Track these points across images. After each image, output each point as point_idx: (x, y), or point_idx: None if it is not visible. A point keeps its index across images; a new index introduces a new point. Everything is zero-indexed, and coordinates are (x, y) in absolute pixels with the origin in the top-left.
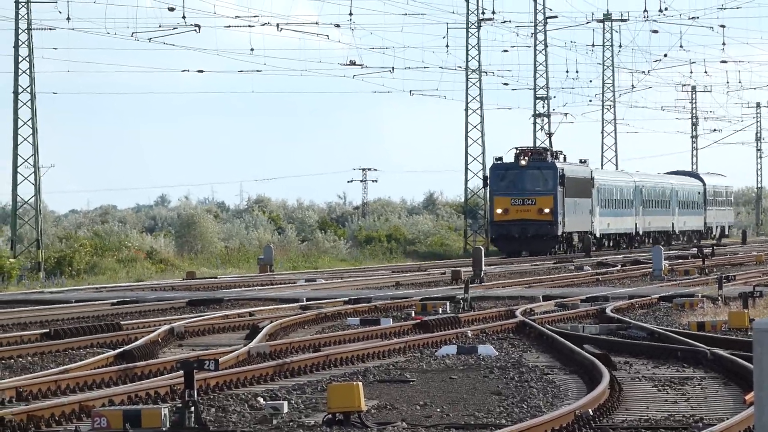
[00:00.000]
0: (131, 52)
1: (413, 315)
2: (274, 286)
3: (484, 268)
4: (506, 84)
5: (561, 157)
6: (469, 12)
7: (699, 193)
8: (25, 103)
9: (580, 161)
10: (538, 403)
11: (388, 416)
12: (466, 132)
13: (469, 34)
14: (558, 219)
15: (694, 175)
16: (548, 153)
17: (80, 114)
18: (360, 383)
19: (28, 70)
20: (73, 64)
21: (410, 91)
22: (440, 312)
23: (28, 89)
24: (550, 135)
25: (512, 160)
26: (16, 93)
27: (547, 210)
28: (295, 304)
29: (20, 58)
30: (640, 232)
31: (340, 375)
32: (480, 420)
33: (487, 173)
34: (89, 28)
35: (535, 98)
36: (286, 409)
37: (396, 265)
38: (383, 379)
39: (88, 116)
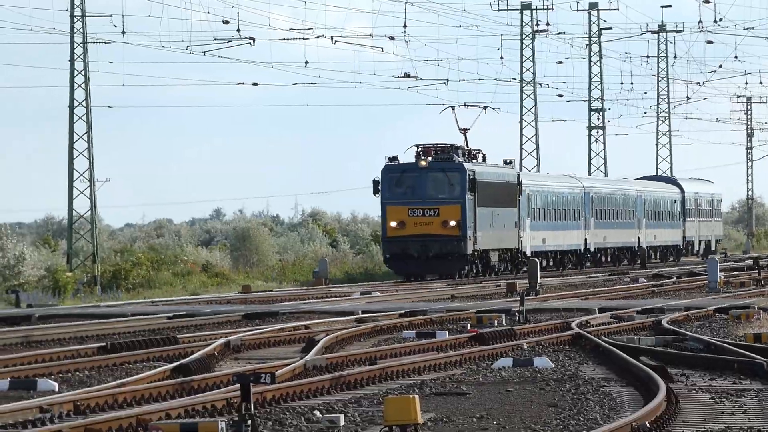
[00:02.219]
0: (186, 66)
1: (469, 328)
2: (330, 299)
3: (539, 280)
4: (561, 96)
5: (480, 157)
6: (524, 24)
7: (675, 201)
8: (80, 117)
9: (505, 162)
10: (594, 416)
11: (445, 429)
12: (521, 144)
13: (524, 46)
14: (468, 233)
15: (669, 180)
16: (458, 151)
17: (135, 127)
18: (416, 396)
19: (83, 84)
20: (128, 78)
21: (464, 104)
22: (496, 324)
23: (84, 103)
24: (464, 131)
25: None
26: (71, 107)
27: (453, 222)
28: (351, 317)
29: (76, 72)
30: (591, 249)
31: (397, 388)
32: None
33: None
34: (144, 41)
35: (590, 110)
36: (342, 423)
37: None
38: (439, 391)
39: (143, 130)
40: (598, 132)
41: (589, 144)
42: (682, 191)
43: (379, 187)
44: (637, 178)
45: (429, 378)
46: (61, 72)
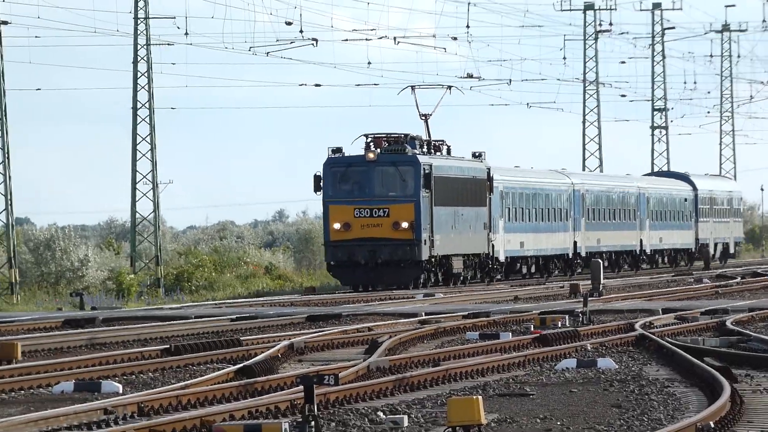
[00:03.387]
0: (249, 67)
1: (532, 329)
2: (393, 301)
3: (602, 281)
4: (624, 96)
5: (444, 149)
6: (587, 24)
7: (686, 200)
8: (143, 119)
9: (474, 155)
10: (658, 416)
11: (508, 430)
12: (584, 144)
13: (587, 46)
14: (423, 237)
15: (680, 176)
16: (415, 142)
17: (198, 129)
18: (480, 397)
19: (146, 86)
20: (191, 79)
21: (527, 104)
22: (559, 326)
23: (147, 105)
24: (425, 117)
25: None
26: (135, 109)
27: (405, 224)
28: (414, 319)
29: (139, 74)
30: (583, 253)
31: (460, 389)
32: None
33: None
34: (207, 42)
35: (653, 110)
36: (406, 424)
37: (514, 279)
38: (503, 392)
39: (206, 131)
40: (661, 132)
41: (652, 144)
42: (695, 188)
43: (321, 184)
44: (645, 174)
45: (492, 379)
46: (125, 74)
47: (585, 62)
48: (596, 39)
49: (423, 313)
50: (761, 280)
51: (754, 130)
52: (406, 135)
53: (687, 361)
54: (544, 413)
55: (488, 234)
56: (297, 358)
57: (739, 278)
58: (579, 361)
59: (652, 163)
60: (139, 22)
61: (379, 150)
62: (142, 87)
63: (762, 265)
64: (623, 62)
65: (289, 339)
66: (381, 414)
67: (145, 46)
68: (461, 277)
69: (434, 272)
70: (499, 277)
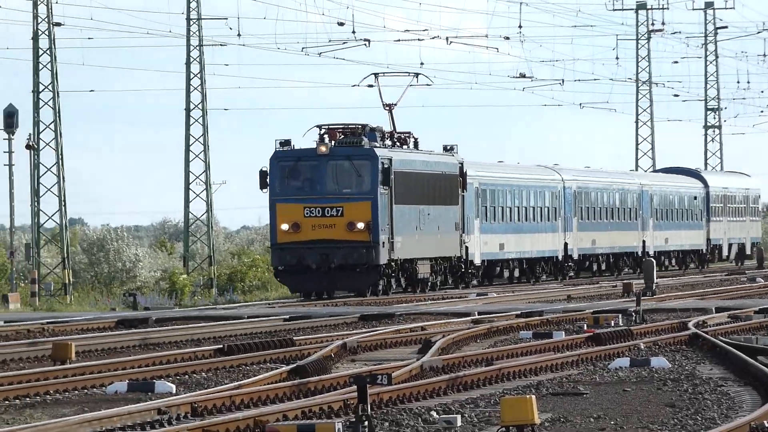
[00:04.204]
0: (301, 67)
1: (585, 328)
2: (446, 301)
3: (655, 280)
4: (677, 95)
5: (411, 142)
6: (639, 23)
7: (696, 198)
8: (196, 120)
9: (445, 149)
10: (712, 415)
11: (562, 429)
12: (636, 144)
13: (639, 46)
14: (381, 238)
15: (690, 173)
16: (375, 134)
17: (251, 129)
18: (533, 396)
19: (199, 87)
20: (243, 80)
21: (580, 104)
22: (612, 325)
23: (200, 106)
24: (389, 107)
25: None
26: (188, 110)
27: (361, 224)
28: (467, 318)
29: (192, 75)
30: (575, 255)
31: (513, 388)
32: None
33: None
34: (259, 43)
35: (706, 109)
36: (459, 423)
37: (568, 279)
38: (556, 391)
39: (258, 131)
40: (714, 131)
41: (705, 143)
42: (706, 185)
43: (267, 180)
44: (653, 171)
45: (546, 378)
46: (178, 75)
47: (638, 62)
48: (649, 39)
49: (476, 313)
50: None
51: None
52: (364, 126)
53: (741, 359)
54: (598, 412)
55: (461, 235)
56: (350, 358)
57: None
58: (632, 360)
59: (705, 163)
60: (191, 23)
61: (332, 143)
62: (195, 88)
63: None
64: (676, 62)
65: (342, 339)
66: (434, 414)
67: (197, 48)
68: (428, 283)
69: (395, 277)
70: (475, 282)
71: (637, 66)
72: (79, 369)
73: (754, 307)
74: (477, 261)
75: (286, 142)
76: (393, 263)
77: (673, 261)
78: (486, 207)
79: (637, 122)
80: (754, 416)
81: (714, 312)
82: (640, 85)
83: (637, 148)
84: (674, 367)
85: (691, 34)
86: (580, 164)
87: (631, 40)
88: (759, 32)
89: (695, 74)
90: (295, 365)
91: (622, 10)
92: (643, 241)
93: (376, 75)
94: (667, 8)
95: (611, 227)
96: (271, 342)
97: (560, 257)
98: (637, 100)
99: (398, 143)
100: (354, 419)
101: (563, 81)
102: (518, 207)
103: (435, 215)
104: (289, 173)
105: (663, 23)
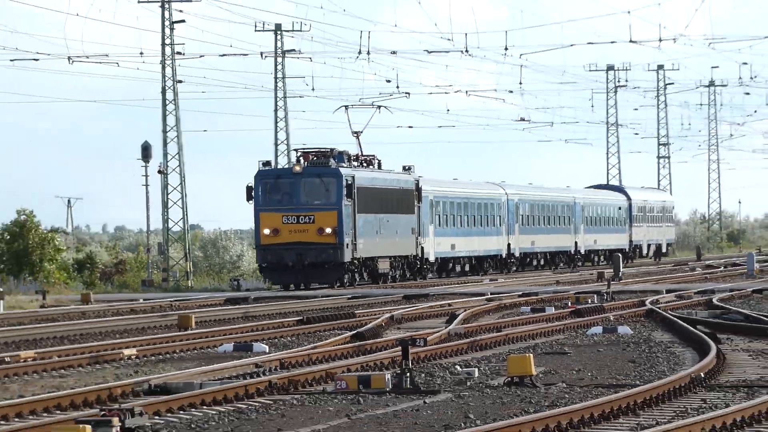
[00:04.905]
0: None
1: (569, 304)
2: (467, 285)
3: (621, 269)
4: (637, 134)
5: (375, 163)
6: (609, 81)
7: (620, 208)
8: (282, 152)
9: (404, 168)
10: (663, 369)
11: (552, 379)
12: (607, 170)
13: (609, 97)
14: (345, 240)
15: (617, 189)
16: (343, 156)
17: None
18: (531, 354)
19: (284, 128)
20: (317, 123)
21: (566, 140)
22: (589, 302)
23: (285, 141)
24: (357, 134)
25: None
26: (276, 144)
27: (329, 229)
28: (482, 297)
29: (279, 119)
30: (517, 254)
31: (516, 348)
32: (620, 381)
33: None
34: (329, 95)
35: (659, 144)
36: (476, 374)
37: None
38: (548, 351)
39: None
40: (664, 161)
41: (658, 169)
42: (629, 198)
43: (252, 194)
44: (587, 187)
45: (540, 341)
46: (268, 119)
47: (608, 109)
48: (616, 92)
49: (489, 293)
50: (738, 268)
51: (734, 159)
52: (332, 150)
53: (684, 328)
54: (578, 366)
55: (416, 238)
56: (396, 326)
57: (723, 267)
58: (604, 328)
59: (658, 183)
60: (278, 81)
61: (305, 163)
62: (281, 129)
63: (740, 257)
64: (636, 109)
65: (390, 312)
66: (458, 367)
67: (282, 99)
68: (389, 276)
69: (358, 272)
70: (430, 275)
71: (607, 112)
72: (197, 334)
73: (694, 289)
74: (431, 258)
75: (268, 163)
76: (356, 261)
77: (602, 258)
78: (439, 215)
79: (607, 153)
80: (693, 369)
81: (665, 293)
82: (609, 126)
83: (608, 173)
84: (635, 334)
85: (647, 89)
86: (542, 182)
87: (602, 93)
88: (697, 87)
89: (650, 118)
90: (355, 331)
91: (596, 71)
92: (575, 242)
93: (346, 107)
94: (630, 69)
95: (548, 231)
96: (338, 314)
97: (504, 255)
98: (608, 137)
99: (364, 164)
100: (399, 371)
101: (552, 123)
102: (467, 215)
103: (393, 221)
104: (270, 188)
105: (626, 80)
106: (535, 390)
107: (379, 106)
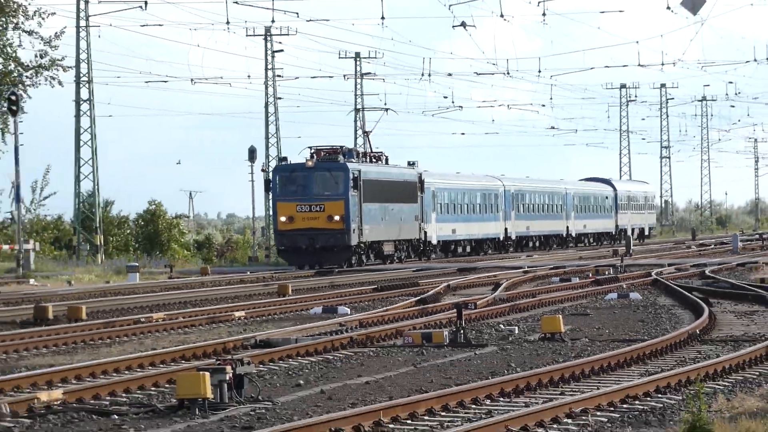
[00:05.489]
0: (422, 124)
1: (590, 276)
2: (509, 260)
3: (632, 247)
4: (644, 139)
5: (383, 159)
6: (621, 96)
7: (607, 197)
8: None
9: (409, 163)
10: (666, 327)
11: (577, 335)
12: (620, 169)
13: (621, 109)
14: (351, 227)
15: (605, 181)
16: (352, 153)
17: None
18: (560, 316)
19: (362, 136)
20: (396, 132)
21: (587, 144)
22: (606, 274)
23: (362, 146)
24: (366, 133)
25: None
26: (355, 148)
27: (337, 217)
28: (520, 270)
29: (359, 128)
30: (513, 237)
31: (548, 310)
32: (632, 336)
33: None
34: (401, 110)
35: (661, 147)
36: (517, 332)
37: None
38: (573, 313)
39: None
40: (665, 160)
41: (661, 168)
42: (615, 189)
43: (270, 186)
44: (579, 180)
45: (567, 305)
46: (349, 128)
47: (620, 119)
48: (627, 105)
49: (525, 267)
50: (726, 246)
51: (721, 159)
52: (341, 147)
53: (682, 294)
54: (598, 325)
55: (420, 224)
56: (452, 293)
57: (713, 245)
58: (619, 294)
59: (661, 179)
60: (357, 97)
61: (317, 159)
62: (359, 136)
63: (726, 237)
64: (643, 119)
65: (447, 282)
66: (501, 326)
67: (361, 111)
68: (394, 257)
69: (365, 254)
70: (434, 256)
71: (620, 121)
72: (293, 300)
73: (690, 263)
74: (434, 241)
75: (284, 159)
76: (362, 244)
77: (591, 240)
78: (440, 204)
79: (620, 155)
80: (690, 327)
81: (666, 266)
82: (622, 132)
83: (620, 170)
84: (643, 299)
85: (652, 103)
86: (551, 176)
87: (616, 106)
88: (692, 102)
89: (655, 126)
90: (419, 297)
91: (612, 88)
92: (567, 227)
93: (357, 110)
94: (638, 87)
95: (542, 217)
96: (406, 283)
97: (501, 238)
98: (621, 142)
99: (373, 160)
100: (455, 329)
101: (576, 130)
102: (467, 204)
103: (397, 210)
104: (286, 181)
105: (635, 96)
106: (564, 344)
107: (386, 109)
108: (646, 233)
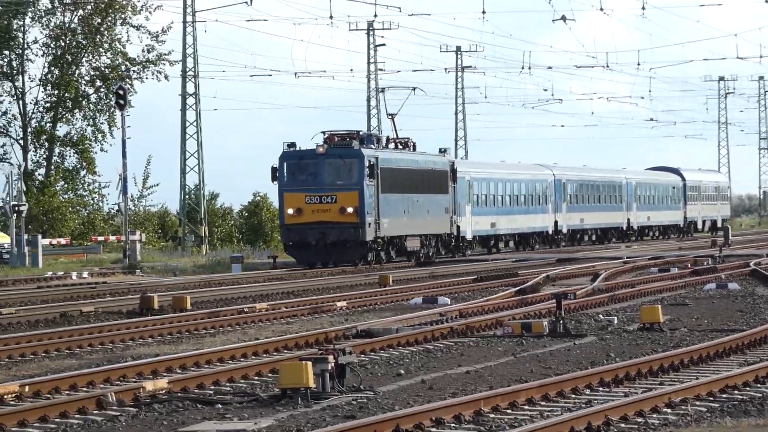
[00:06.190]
0: (523, 116)
1: (689, 266)
2: (608, 251)
3: (730, 238)
4: (742, 130)
5: (411, 145)
6: (720, 89)
7: (674, 187)
8: (461, 147)
9: (440, 150)
10: (765, 317)
11: (676, 324)
12: (719, 158)
13: (720, 102)
14: (367, 220)
15: (673, 170)
16: (371, 138)
17: (496, 155)
18: (659, 306)
19: (462, 128)
20: (491, 124)
21: (685, 136)
22: (705, 264)
23: (463, 138)
24: (392, 116)
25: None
26: (456, 141)
27: (350, 209)
28: (619, 260)
29: (459, 121)
30: (564, 230)
31: (647, 301)
32: (731, 326)
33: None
34: (501, 102)
35: (760, 138)
36: (616, 322)
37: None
38: (672, 303)
39: (498, 156)
40: (764, 152)
41: (759, 159)
42: (684, 179)
43: (277, 174)
44: (646, 169)
45: (666, 295)
46: (450, 120)
47: (719, 111)
48: (725, 97)
49: (625, 257)
50: None
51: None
52: (358, 131)
53: None
54: (697, 315)
55: (451, 217)
56: (551, 284)
57: None
58: (717, 284)
59: (759, 171)
60: (458, 90)
61: (329, 144)
62: (461, 128)
63: None
64: (741, 111)
65: (547, 272)
66: (601, 316)
67: (461, 104)
68: (420, 254)
69: (384, 251)
70: (469, 252)
71: (719, 113)
72: (394, 290)
73: None
74: (469, 236)
75: (292, 144)
76: (380, 239)
77: (657, 233)
78: (477, 195)
79: (719, 146)
80: None
81: (765, 256)
82: (720, 124)
83: (719, 162)
84: (742, 289)
85: (750, 95)
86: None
87: (714, 98)
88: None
89: (753, 118)
90: (519, 287)
91: (710, 81)
92: (628, 219)
93: (382, 90)
94: (737, 80)
95: (598, 209)
96: (505, 274)
97: (550, 231)
98: (719, 134)
99: (400, 146)
100: (554, 319)
101: (675, 122)
102: (509, 195)
103: (424, 201)
104: (293, 169)
105: (734, 89)
106: (663, 334)
107: (414, 88)
108: (719, 225)
